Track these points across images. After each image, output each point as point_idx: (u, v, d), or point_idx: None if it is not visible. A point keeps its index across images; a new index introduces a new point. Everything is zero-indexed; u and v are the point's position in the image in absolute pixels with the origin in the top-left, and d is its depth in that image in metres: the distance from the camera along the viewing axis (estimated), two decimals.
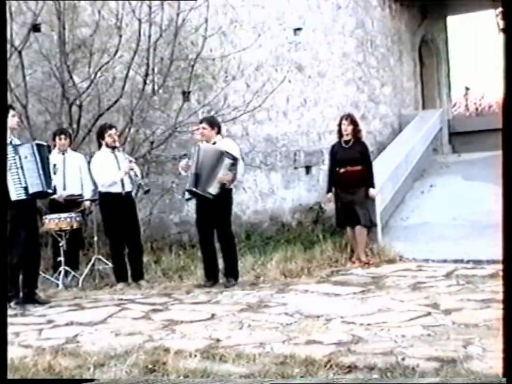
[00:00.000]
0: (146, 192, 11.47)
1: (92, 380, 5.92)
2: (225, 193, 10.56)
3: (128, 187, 11.06)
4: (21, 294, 9.75)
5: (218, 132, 10.87)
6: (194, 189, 10.46)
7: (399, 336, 6.89)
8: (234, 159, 10.48)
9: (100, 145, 11.30)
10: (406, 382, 5.61)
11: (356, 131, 11.92)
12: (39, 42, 13.84)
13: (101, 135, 11.28)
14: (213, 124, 10.90)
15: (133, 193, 11.37)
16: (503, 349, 4.75)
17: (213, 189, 10.35)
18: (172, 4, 14.08)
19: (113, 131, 11.22)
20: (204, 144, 10.63)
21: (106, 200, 11.12)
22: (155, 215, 11.89)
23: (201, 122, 11.05)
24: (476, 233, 12.35)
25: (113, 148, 11.09)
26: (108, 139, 11.09)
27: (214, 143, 10.61)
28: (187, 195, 10.86)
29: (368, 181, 11.85)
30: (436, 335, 6.92)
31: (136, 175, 11.06)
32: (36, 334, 8.10)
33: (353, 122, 11.96)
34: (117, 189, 10.96)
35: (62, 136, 11.96)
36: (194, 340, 7.33)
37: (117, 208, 11.00)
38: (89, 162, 11.59)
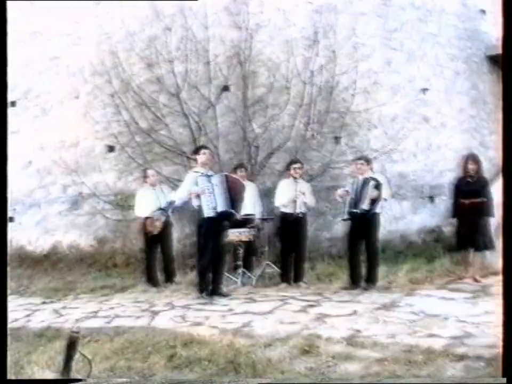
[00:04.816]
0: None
1: (79, 380, 5.88)
2: (375, 216, 10.54)
3: (299, 209, 11.13)
4: (209, 288, 9.98)
5: (371, 168, 10.87)
6: (354, 210, 10.46)
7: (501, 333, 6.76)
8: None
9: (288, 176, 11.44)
10: (406, 382, 5.51)
11: (479, 168, 11.55)
12: (228, 99, 14.12)
13: (287, 168, 11.47)
14: (368, 161, 10.94)
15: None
16: (503, 349, 4.55)
17: (365, 205, 10.36)
18: (329, 69, 14.19)
19: (296, 165, 11.33)
20: (360, 176, 10.64)
21: (283, 219, 11.25)
22: (312, 232, 11.92)
23: (359, 159, 11.06)
24: None
25: (295, 178, 11.21)
26: (291, 171, 11.26)
27: (370, 177, 10.59)
28: (346, 216, 10.75)
29: (489, 211, 11.44)
30: None
31: (304, 204, 11.19)
32: (220, 318, 8.29)
33: (477, 161, 11.58)
34: (289, 209, 11.08)
35: (242, 169, 12.14)
36: (340, 330, 7.35)
37: (289, 225, 11.10)
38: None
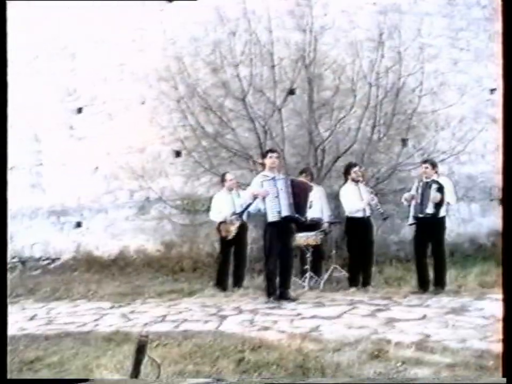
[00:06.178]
0: (385, 218, 11.46)
1: (84, 380, 5.86)
2: (440, 220, 10.40)
3: (368, 212, 11.11)
4: (277, 292, 9.99)
5: (436, 172, 10.76)
6: (420, 215, 10.37)
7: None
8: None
9: (346, 180, 11.39)
10: (406, 382, 5.41)
11: None
12: (294, 102, 14.17)
13: (347, 172, 11.36)
14: (434, 164, 10.79)
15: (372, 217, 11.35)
16: (503, 349, 4.45)
17: (429, 209, 10.23)
18: (395, 71, 14.13)
19: (356, 168, 11.28)
20: (424, 179, 10.53)
21: (352, 223, 11.17)
22: (379, 235, 11.84)
23: (425, 162, 10.92)
24: None
25: (357, 182, 11.19)
26: (353, 175, 11.19)
27: (432, 180, 10.46)
28: (411, 220, 10.65)
29: None
30: None
31: (376, 205, 11.10)
32: (288, 323, 8.26)
33: None
34: (359, 214, 11.06)
35: (304, 174, 12.05)
36: (409, 335, 7.26)
37: (358, 229, 11.04)
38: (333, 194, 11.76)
